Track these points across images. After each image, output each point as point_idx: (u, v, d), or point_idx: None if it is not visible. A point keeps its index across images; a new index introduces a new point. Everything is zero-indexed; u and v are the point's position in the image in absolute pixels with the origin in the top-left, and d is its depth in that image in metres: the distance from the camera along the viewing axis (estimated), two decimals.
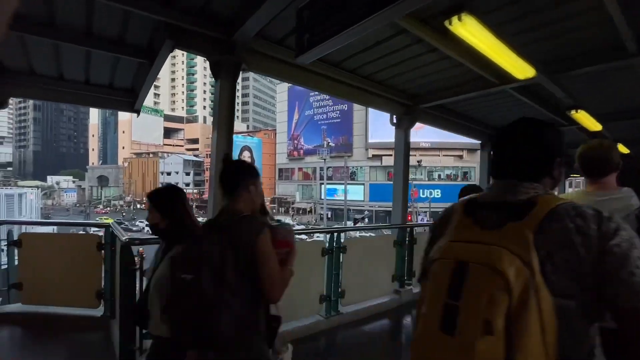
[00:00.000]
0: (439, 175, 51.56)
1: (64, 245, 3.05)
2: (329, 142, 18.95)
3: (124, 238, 2.61)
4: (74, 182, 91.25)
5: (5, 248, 3.20)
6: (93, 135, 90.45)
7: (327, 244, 3.55)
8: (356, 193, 52.78)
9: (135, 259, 2.47)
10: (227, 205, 1.43)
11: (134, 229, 44.80)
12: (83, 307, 3.11)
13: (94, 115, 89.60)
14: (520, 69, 3.17)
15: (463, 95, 4.13)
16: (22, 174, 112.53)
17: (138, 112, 3.90)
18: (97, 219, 51.49)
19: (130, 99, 3.81)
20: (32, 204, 20.67)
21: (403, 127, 4.90)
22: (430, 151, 50.31)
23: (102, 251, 2.95)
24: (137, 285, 2.48)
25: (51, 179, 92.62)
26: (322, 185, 57.99)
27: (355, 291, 3.80)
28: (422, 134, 49.76)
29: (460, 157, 51.03)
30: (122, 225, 44.69)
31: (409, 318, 3.93)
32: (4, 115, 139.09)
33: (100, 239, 2.96)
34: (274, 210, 62.19)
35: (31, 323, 3.05)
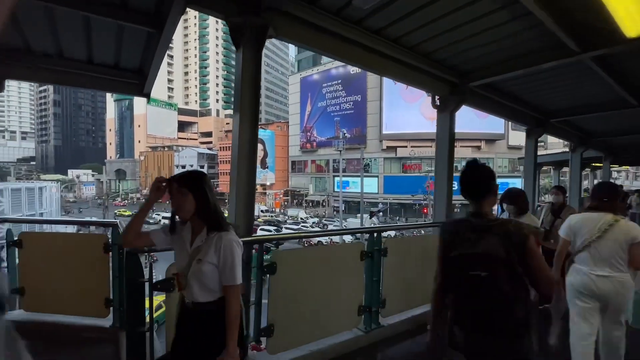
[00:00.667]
0: (456, 167, 50.07)
1: (68, 245, 2.64)
2: (344, 133, 18.34)
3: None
4: (92, 175, 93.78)
5: (4, 248, 2.82)
6: (110, 130, 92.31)
7: (367, 246, 3.00)
8: (370, 185, 51.91)
9: (144, 266, 2.02)
10: (477, 208, 1.62)
11: (151, 221, 45.59)
12: (90, 316, 2.71)
13: (111, 109, 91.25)
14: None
15: (523, 70, 3.45)
16: (44, 168, 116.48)
17: (148, 96, 3.42)
18: (116, 211, 52.63)
19: (138, 81, 3.33)
20: (52, 197, 20.97)
21: (448, 109, 4.20)
22: None
23: (110, 253, 2.54)
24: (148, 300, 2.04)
25: (71, 173, 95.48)
26: (337, 178, 57.45)
27: (397, 299, 3.25)
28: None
29: (479, 147, 49.38)
30: None
31: None
32: (26, 111, 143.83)
33: (106, 239, 2.54)
34: (287, 203, 62.19)
35: (33, 333, 2.68)
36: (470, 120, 47.83)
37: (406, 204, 47.09)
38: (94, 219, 22.22)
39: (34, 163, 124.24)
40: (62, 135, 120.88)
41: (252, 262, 2.37)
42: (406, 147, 50.27)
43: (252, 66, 2.44)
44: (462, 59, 3.54)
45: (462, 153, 48.90)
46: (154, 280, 1.95)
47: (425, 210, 44.45)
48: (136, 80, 3.24)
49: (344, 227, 38.52)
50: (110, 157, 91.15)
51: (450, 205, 4.09)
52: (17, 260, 2.70)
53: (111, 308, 2.65)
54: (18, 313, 2.79)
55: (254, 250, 2.46)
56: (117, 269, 2.49)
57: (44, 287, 2.62)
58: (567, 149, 9.71)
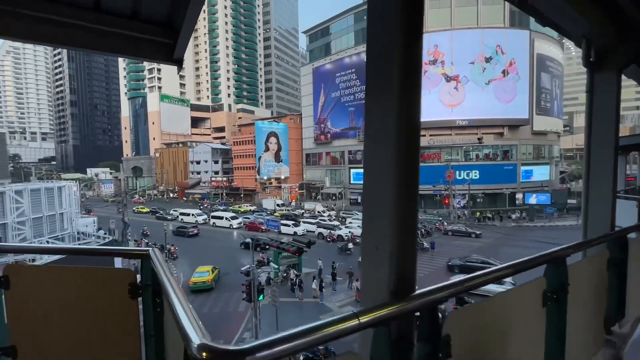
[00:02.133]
0: (477, 155, 48.08)
1: (77, 285, 1.71)
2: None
3: (170, 282, 1.25)
4: (110, 173, 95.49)
5: None
6: (125, 128, 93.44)
7: (547, 283, 1.75)
8: None
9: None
10: None
11: (169, 217, 45.72)
12: None
13: (125, 107, 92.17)
14: None
15: None
16: (64, 167, 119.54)
17: (180, 63, 2.41)
18: (134, 208, 53.04)
19: (166, 39, 2.34)
20: (71, 196, 20.72)
21: (614, 67, 2.65)
22: (467, 129, 46.83)
23: (140, 298, 1.62)
24: None
25: (90, 171, 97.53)
26: (353, 169, 56.21)
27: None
28: (459, 111, 46.32)
29: (501, 134, 47.12)
30: (158, 214, 44.99)
31: None
32: (45, 112, 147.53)
33: (133, 277, 1.59)
34: (302, 196, 61.47)
35: None
36: (491, 104, 45.67)
37: (425, 195, 45.53)
38: (117, 247, 21.50)
39: (54, 163, 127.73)
40: (80, 135, 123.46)
41: None
42: (424, 135, 48.42)
43: None
44: None
45: (485, 140, 46.80)
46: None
47: (446, 201, 42.88)
48: (164, 38, 2.27)
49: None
50: (127, 155, 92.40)
51: (614, 206, 2.70)
52: (3, 307, 1.80)
53: None
54: None
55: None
56: (151, 324, 1.58)
57: (44, 346, 1.75)
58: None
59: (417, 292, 1.20)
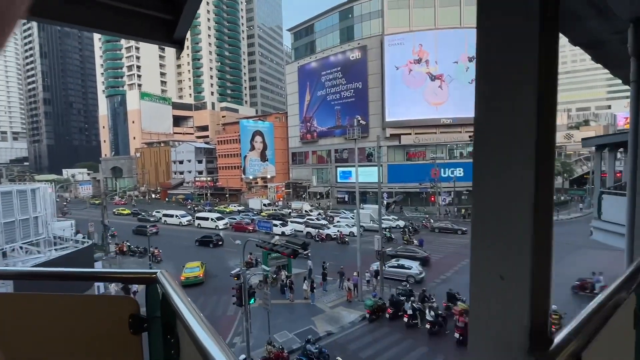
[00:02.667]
0: (461, 153, 48.99)
1: (64, 316, 1.31)
2: (359, 120, 16.98)
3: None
4: (88, 174, 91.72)
5: None
6: (104, 127, 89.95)
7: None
8: (373, 174, 50.87)
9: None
10: None
11: (152, 219, 44.31)
12: None
13: (103, 106, 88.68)
14: None
15: None
16: (38, 168, 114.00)
17: (182, 45, 2.03)
18: (115, 210, 51.13)
19: (168, 15, 1.92)
20: (46, 199, 19.60)
21: None
22: (452, 127, 47.65)
23: (145, 333, 1.26)
24: None
25: (66, 172, 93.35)
26: (340, 168, 56.16)
27: None
28: (443, 109, 47.03)
29: None
30: (140, 216, 43.44)
31: None
32: (16, 110, 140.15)
33: (135, 307, 1.23)
34: (289, 196, 60.99)
35: None
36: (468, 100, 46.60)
37: (412, 192, 46.06)
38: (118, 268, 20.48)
39: (27, 164, 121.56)
40: (54, 134, 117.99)
41: None
42: (410, 134, 49.01)
43: None
44: None
45: (467, 139, 47.80)
46: None
47: (433, 199, 43.50)
48: (163, 13, 1.87)
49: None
50: (105, 155, 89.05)
51: None
52: None
53: None
54: None
55: None
56: None
57: None
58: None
59: (559, 338, 0.78)
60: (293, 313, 15.96)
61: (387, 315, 15.08)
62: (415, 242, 27.24)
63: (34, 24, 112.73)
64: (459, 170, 47.70)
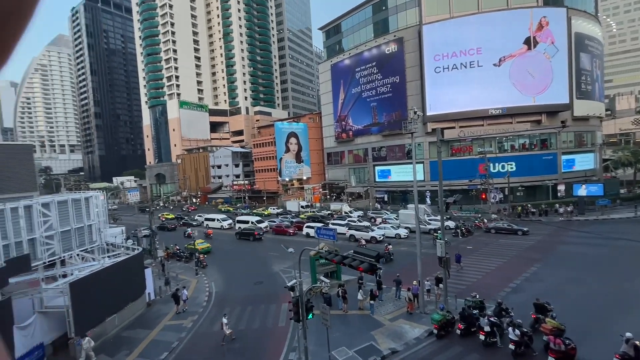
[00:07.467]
0: (512, 146, 44.81)
1: None
2: (415, 111, 15.28)
3: None
4: (135, 181, 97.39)
5: None
6: (147, 136, 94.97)
7: None
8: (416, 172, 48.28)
9: None
10: None
11: (194, 223, 45.28)
12: None
13: (146, 116, 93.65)
14: None
15: None
16: (92, 177, 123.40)
17: None
18: (160, 215, 52.92)
19: None
20: (99, 206, 19.95)
21: None
22: (501, 118, 43.73)
23: None
24: None
25: (116, 180, 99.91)
26: (378, 167, 54.04)
27: None
28: (492, 99, 43.22)
29: (538, 122, 43.69)
30: (184, 220, 44.86)
31: None
32: (72, 125, 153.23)
33: None
34: (326, 197, 59.88)
35: None
36: (525, 87, 42.38)
37: (457, 190, 42.85)
38: None
39: (82, 173, 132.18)
40: (105, 146, 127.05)
41: None
42: (454, 127, 45.74)
43: None
44: None
45: (519, 129, 43.59)
46: None
47: (483, 196, 40.10)
48: None
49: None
50: (150, 163, 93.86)
51: None
52: None
53: None
54: None
55: None
56: None
57: None
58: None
59: None
60: (349, 326, 14.59)
61: (458, 331, 13.22)
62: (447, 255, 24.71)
63: (85, 44, 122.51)
64: (511, 164, 43.71)
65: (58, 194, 21.42)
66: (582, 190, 34.59)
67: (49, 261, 16.09)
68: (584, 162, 44.88)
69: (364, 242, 27.54)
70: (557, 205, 36.89)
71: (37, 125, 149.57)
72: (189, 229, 38.76)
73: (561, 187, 41.57)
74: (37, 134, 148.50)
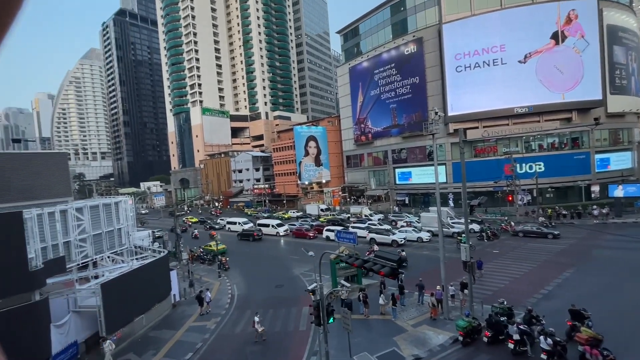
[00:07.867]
0: (540, 146, 42.80)
1: None
2: (437, 112, 14.96)
3: None
4: (161, 186, 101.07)
5: None
6: (172, 142, 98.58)
7: None
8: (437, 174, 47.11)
9: None
10: None
11: (217, 226, 46.33)
12: None
13: (171, 123, 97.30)
14: None
15: None
16: (121, 182, 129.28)
17: None
18: (183, 219, 54.64)
19: None
20: (127, 210, 20.83)
21: None
22: (527, 117, 41.97)
23: None
24: None
25: (143, 185, 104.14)
26: (398, 169, 53.28)
27: None
28: (517, 98, 41.63)
29: (569, 119, 41.55)
30: (206, 223, 46.25)
31: None
32: (102, 133, 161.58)
33: None
34: (347, 200, 59.61)
35: None
36: (553, 84, 40.46)
37: (482, 192, 41.42)
38: None
39: (112, 179, 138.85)
40: (132, 152, 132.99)
41: None
42: (477, 127, 44.37)
43: None
44: None
45: (547, 128, 41.63)
46: None
47: (510, 198, 38.50)
48: None
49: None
50: (174, 168, 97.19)
51: None
52: None
53: None
54: None
55: None
56: None
57: None
58: None
59: None
60: (371, 331, 14.38)
61: (485, 339, 12.70)
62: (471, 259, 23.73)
63: (115, 56, 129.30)
64: (539, 164, 41.80)
65: (90, 199, 22.56)
66: (618, 191, 32.52)
67: (82, 263, 16.95)
68: (620, 161, 42.22)
69: (376, 247, 26.92)
70: (591, 207, 34.86)
71: (71, 134, 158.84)
72: (195, 231, 42.37)
73: (595, 188, 39.33)
74: (71, 142, 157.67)
